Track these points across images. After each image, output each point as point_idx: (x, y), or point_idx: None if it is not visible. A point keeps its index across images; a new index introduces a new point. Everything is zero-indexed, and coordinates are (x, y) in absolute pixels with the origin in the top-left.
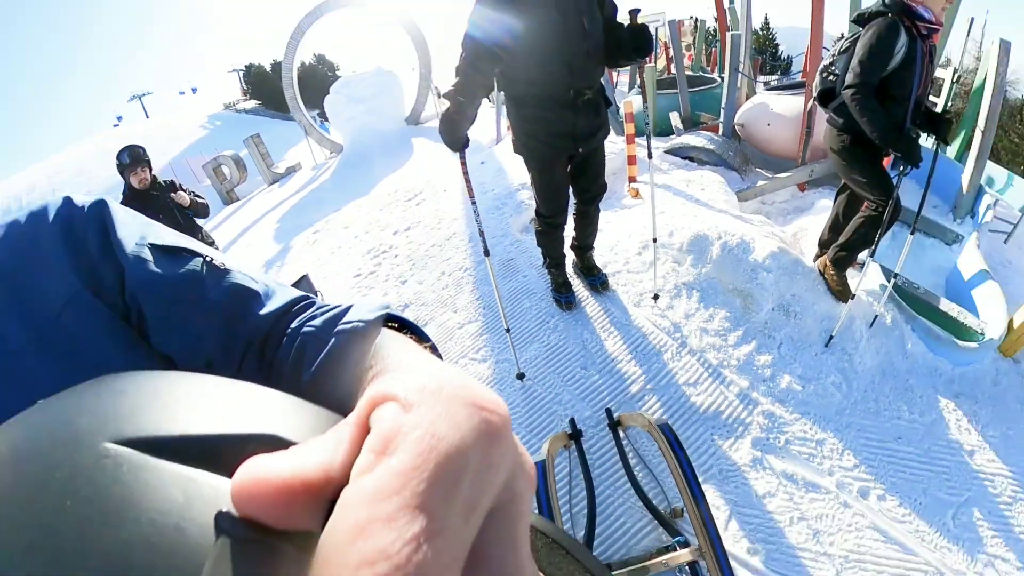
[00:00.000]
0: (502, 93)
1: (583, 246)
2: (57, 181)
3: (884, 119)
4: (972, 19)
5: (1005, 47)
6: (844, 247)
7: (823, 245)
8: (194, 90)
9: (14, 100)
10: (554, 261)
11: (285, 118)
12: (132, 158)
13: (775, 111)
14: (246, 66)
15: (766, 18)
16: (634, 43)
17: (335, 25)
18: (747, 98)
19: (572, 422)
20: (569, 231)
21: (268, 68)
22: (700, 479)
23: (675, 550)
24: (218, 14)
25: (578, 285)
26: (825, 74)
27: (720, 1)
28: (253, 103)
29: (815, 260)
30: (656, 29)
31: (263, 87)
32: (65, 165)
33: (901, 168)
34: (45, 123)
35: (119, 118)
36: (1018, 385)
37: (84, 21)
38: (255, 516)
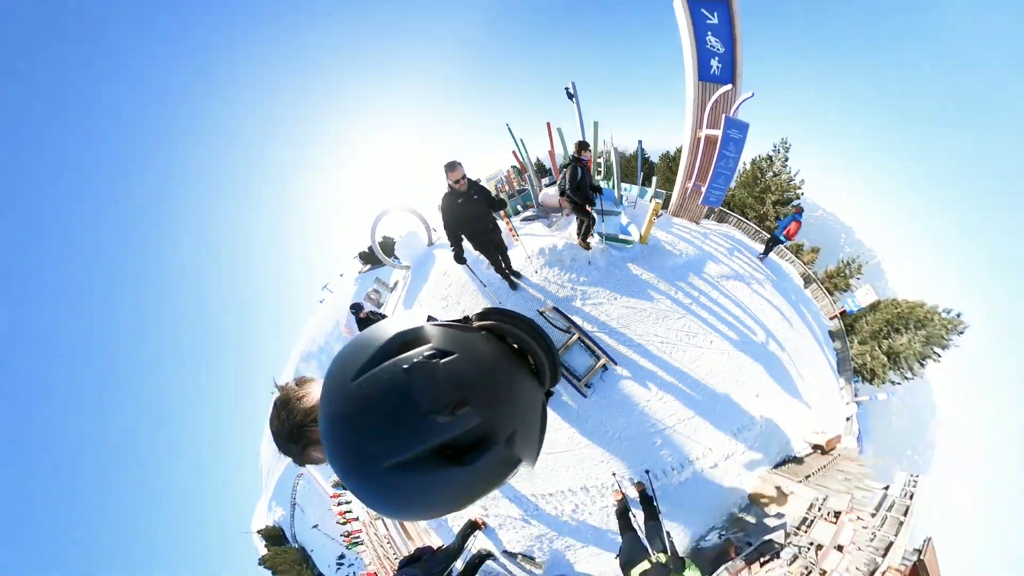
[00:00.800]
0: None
1: (511, 271)
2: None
3: (583, 200)
4: (596, 122)
5: (596, 126)
6: (583, 235)
7: (579, 235)
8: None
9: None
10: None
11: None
12: (355, 308)
13: (550, 193)
14: (360, 253)
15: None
16: (496, 207)
17: (388, 217)
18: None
19: None
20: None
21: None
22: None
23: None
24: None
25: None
26: (560, 180)
27: (552, 154)
28: (369, 266)
29: (578, 238)
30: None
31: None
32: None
33: (593, 205)
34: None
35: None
36: (645, 251)
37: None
38: None
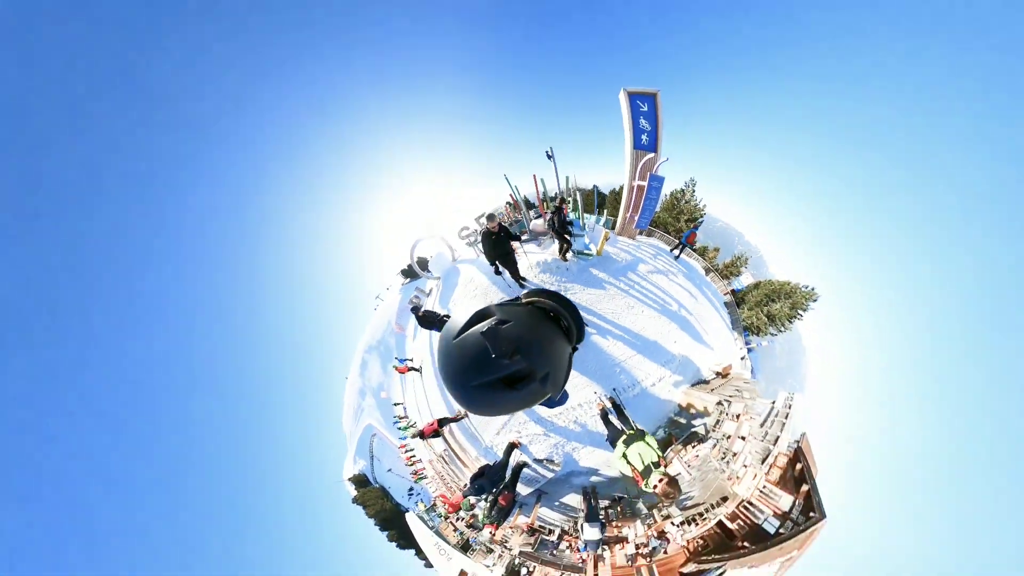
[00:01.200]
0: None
1: (520, 277)
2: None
3: (565, 232)
4: (567, 176)
5: (567, 180)
6: (563, 253)
7: (560, 253)
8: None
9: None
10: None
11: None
12: (414, 309)
13: (538, 224)
14: (402, 269)
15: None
16: (514, 239)
17: (422, 243)
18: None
19: None
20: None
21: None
22: None
23: None
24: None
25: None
26: (548, 220)
27: (539, 196)
28: (409, 279)
29: (560, 255)
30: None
31: (411, 274)
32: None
33: (571, 236)
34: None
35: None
36: (600, 260)
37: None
38: None
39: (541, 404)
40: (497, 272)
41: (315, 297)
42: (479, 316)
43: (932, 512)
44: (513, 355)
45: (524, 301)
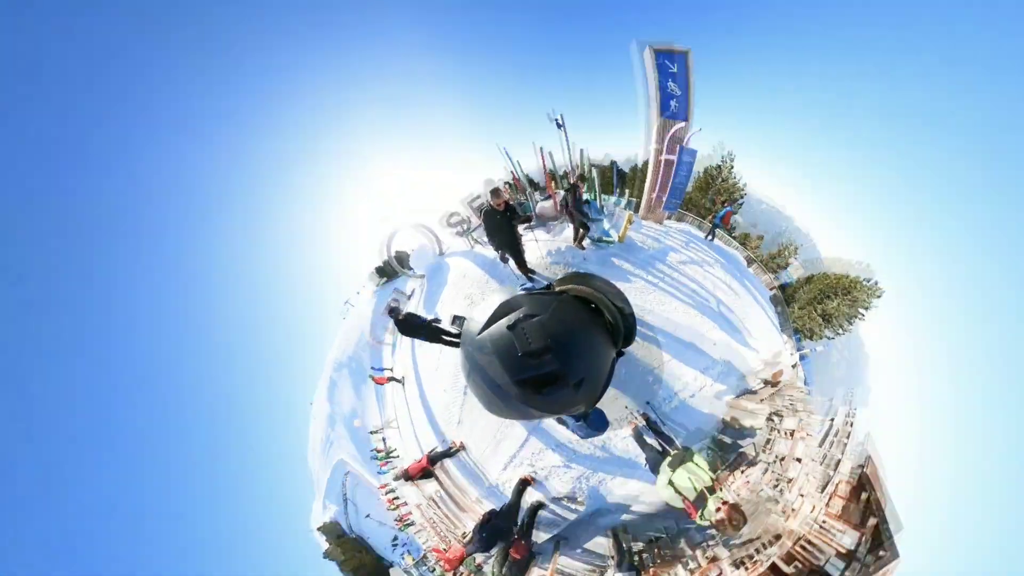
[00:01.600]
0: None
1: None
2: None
3: (581, 215)
4: (581, 149)
5: (581, 153)
6: (579, 240)
7: (576, 240)
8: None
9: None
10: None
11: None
12: (393, 313)
13: (545, 206)
14: (377, 268)
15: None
16: (522, 221)
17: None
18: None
19: None
20: None
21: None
22: None
23: None
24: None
25: None
26: (562, 197)
27: (546, 172)
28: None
29: (575, 241)
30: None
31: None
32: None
33: (588, 219)
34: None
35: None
36: (623, 248)
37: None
38: None
39: (576, 429)
40: (503, 260)
41: (270, 302)
42: (505, 308)
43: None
44: (543, 354)
45: (557, 289)
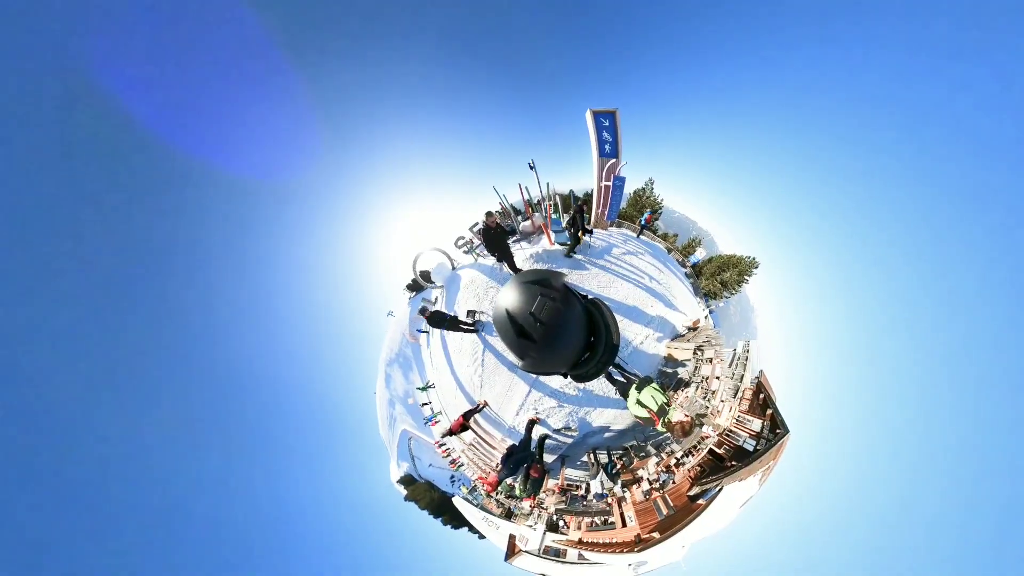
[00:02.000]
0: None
1: (516, 268)
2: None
3: (584, 232)
4: (547, 183)
5: (548, 185)
6: (572, 249)
7: (571, 249)
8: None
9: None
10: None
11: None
12: (422, 311)
13: (526, 225)
14: (407, 284)
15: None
16: (510, 235)
17: (423, 256)
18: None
19: None
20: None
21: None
22: None
23: None
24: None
25: None
26: (570, 216)
27: (525, 204)
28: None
29: (569, 252)
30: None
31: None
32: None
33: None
34: None
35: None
36: (581, 248)
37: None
38: None
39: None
40: (500, 260)
41: (329, 321)
42: (545, 276)
43: (867, 415)
44: (539, 323)
45: (583, 295)
